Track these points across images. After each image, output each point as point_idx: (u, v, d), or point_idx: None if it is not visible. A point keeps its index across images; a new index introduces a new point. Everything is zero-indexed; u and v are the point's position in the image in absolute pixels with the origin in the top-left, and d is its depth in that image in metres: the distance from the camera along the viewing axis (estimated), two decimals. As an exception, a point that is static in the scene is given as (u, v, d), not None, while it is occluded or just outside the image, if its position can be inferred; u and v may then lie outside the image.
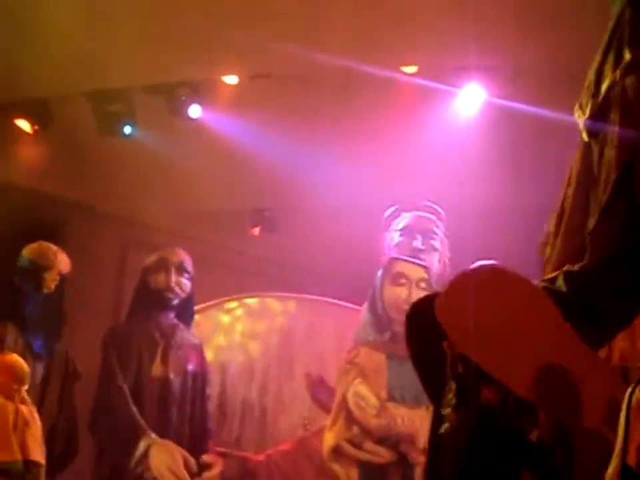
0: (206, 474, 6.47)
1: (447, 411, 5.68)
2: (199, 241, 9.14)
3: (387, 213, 7.30)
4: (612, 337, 5.70)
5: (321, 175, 8.94)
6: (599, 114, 6.21)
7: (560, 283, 6.05)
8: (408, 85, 8.18)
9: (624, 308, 5.76)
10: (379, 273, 6.70)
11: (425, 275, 6.65)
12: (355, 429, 6.20)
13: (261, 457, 7.24)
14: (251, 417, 7.65)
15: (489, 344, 5.42)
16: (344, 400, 6.26)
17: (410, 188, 7.92)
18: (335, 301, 7.92)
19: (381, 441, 6.20)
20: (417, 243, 6.99)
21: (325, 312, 7.89)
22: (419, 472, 6.18)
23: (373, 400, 6.21)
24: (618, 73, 6.09)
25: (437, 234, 7.15)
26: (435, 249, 7.08)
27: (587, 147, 6.43)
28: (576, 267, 5.98)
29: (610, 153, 6.11)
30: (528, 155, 8.73)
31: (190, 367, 6.82)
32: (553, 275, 6.21)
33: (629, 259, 5.79)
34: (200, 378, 6.86)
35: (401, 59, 7.99)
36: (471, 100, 8.37)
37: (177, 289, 6.84)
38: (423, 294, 6.56)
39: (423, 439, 6.19)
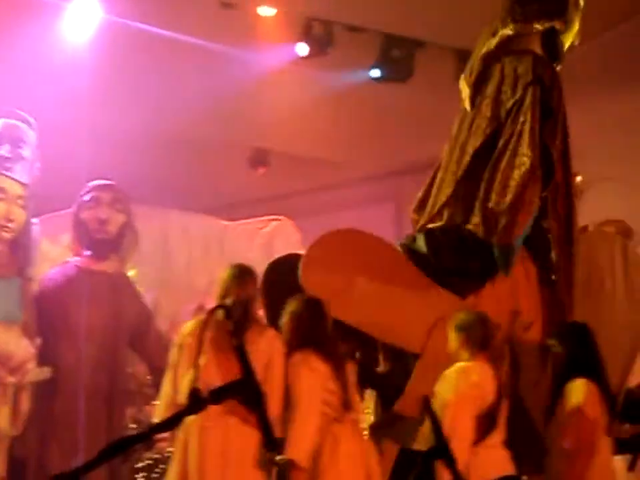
0: None
1: None
2: None
3: None
4: (465, 296, 6.14)
5: None
6: (477, 84, 6.55)
7: (420, 243, 6.37)
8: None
9: (477, 270, 6.20)
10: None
11: (23, 192, 6.44)
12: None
13: None
14: None
15: (354, 300, 5.80)
16: None
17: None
18: None
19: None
20: (3, 152, 6.75)
21: None
22: (9, 392, 6.07)
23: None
24: (494, 42, 6.45)
25: (26, 143, 6.93)
26: (23, 158, 6.86)
27: (464, 112, 6.74)
28: (436, 227, 6.33)
29: (478, 122, 6.47)
30: (144, 78, 8.72)
31: None
32: (414, 234, 6.50)
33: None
34: None
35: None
36: (85, 17, 8.20)
37: None
38: (20, 211, 6.38)
39: (15, 359, 6.07)
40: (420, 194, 6.88)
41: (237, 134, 10.40)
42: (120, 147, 9.30)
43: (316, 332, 5.43)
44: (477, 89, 6.62)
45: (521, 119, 6.28)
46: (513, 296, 6.21)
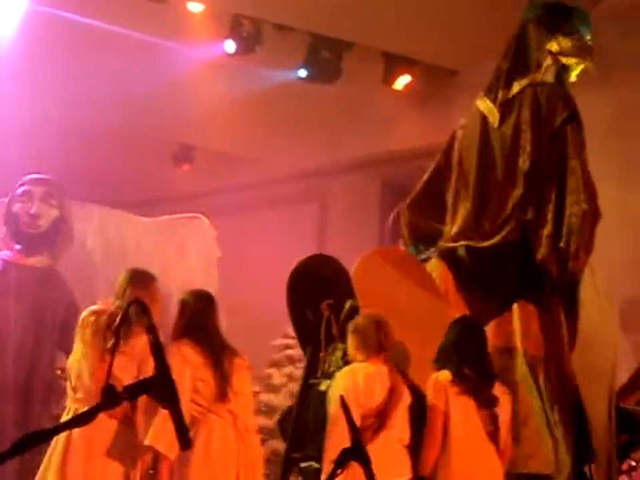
0: None
1: (332, 369, 6.09)
2: None
3: None
4: (502, 312, 6.34)
5: None
6: (507, 105, 6.63)
7: (462, 254, 6.55)
8: None
9: (516, 287, 6.41)
10: None
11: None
12: None
13: None
14: None
15: (388, 311, 5.88)
16: None
17: None
18: None
19: None
20: None
21: None
22: None
23: None
24: (527, 80, 6.48)
25: None
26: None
27: (487, 131, 6.81)
28: (481, 244, 6.48)
29: (522, 143, 6.57)
30: (69, 70, 8.64)
31: None
32: (450, 245, 6.66)
33: (526, 247, 6.42)
34: None
35: None
36: (10, 6, 8.09)
37: None
38: None
39: None
40: (417, 193, 7.01)
41: (162, 129, 10.34)
42: (43, 140, 9.19)
43: (198, 323, 5.49)
44: (505, 109, 6.73)
45: (571, 156, 6.50)
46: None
